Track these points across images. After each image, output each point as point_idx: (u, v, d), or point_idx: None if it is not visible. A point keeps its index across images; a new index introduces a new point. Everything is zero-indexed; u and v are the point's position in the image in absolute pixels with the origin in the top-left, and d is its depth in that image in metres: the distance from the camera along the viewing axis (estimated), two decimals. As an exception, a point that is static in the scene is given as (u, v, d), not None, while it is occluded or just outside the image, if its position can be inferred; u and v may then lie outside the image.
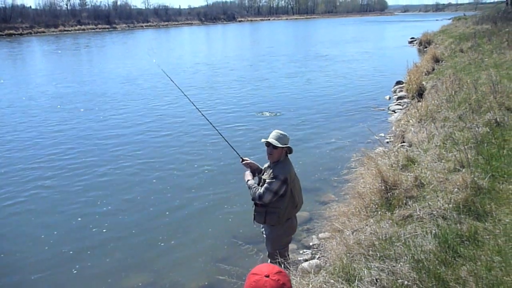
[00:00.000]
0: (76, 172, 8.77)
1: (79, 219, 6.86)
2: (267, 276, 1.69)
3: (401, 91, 14.64)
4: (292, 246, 5.35)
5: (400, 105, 12.89)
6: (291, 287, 1.74)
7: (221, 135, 5.08)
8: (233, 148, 4.79)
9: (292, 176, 4.20)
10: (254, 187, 4.22)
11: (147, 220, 6.77)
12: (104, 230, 6.50)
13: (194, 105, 5.62)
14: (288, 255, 4.57)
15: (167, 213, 6.98)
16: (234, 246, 5.98)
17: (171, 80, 5.82)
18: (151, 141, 10.85)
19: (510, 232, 3.93)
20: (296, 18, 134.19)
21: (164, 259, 5.77)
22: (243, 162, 4.56)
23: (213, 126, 5.23)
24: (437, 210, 4.33)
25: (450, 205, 4.36)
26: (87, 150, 10.18)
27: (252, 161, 4.54)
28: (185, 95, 5.77)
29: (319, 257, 5.33)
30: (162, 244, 6.11)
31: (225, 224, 6.54)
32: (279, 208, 4.18)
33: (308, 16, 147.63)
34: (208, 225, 6.54)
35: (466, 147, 5.77)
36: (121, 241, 6.19)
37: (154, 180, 8.28)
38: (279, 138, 4.16)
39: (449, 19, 53.59)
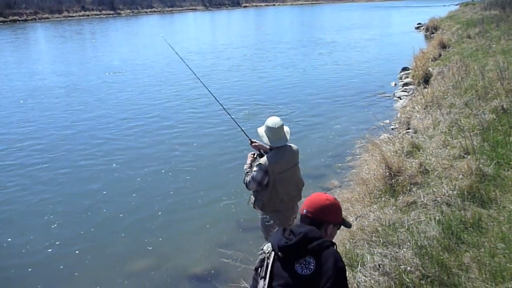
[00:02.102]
0: (80, 156, 8.84)
1: (82, 205, 6.90)
2: (323, 194, 2.26)
3: (407, 77, 14.50)
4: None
5: (406, 91, 12.79)
6: (331, 209, 2.22)
7: (230, 116, 5.02)
8: (241, 129, 4.69)
9: (279, 168, 3.99)
10: (246, 173, 4.16)
11: (150, 206, 6.79)
12: (106, 217, 6.55)
13: (204, 85, 5.49)
14: None
15: (169, 198, 7.01)
16: (237, 230, 6.02)
17: (177, 54, 5.80)
18: (152, 125, 10.89)
19: (515, 219, 3.91)
20: (302, 4, 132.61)
21: (168, 244, 5.81)
22: (252, 144, 4.47)
23: (223, 108, 5.15)
24: (441, 196, 4.32)
25: (455, 192, 4.34)
26: (83, 135, 10.24)
27: (261, 143, 4.39)
28: (192, 71, 5.71)
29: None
30: (165, 229, 6.14)
31: (228, 209, 6.56)
32: (263, 197, 4.12)
33: (313, 2, 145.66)
34: (210, 210, 6.57)
35: (471, 134, 5.73)
36: (124, 227, 6.24)
37: (157, 166, 8.29)
38: (287, 132, 4.07)
39: (457, 4, 52.79)
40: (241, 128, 4.71)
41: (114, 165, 8.42)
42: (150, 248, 5.71)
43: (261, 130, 4.06)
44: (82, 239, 5.95)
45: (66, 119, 11.63)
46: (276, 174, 4.01)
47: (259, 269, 2.19)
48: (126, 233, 6.09)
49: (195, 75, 5.74)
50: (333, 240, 2.22)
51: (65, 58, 23.16)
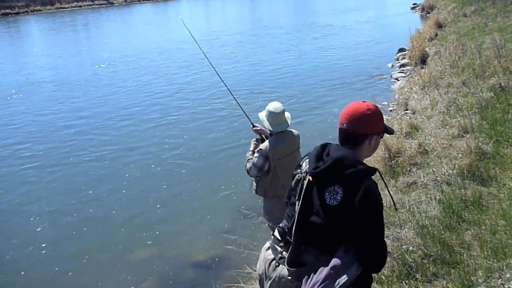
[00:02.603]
0: (75, 148, 8.86)
1: (85, 194, 6.93)
2: (363, 102, 2.04)
3: (404, 58, 14.42)
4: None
5: (403, 72, 12.73)
6: (372, 119, 2.00)
7: (236, 100, 5.04)
8: (244, 113, 4.69)
9: (279, 153, 4.00)
10: (247, 159, 4.17)
11: (150, 196, 6.81)
12: (107, 208, 6.57)
13: (213, 67, 5.43)
14: None
15: (169, 187, 7.03)
16: (238, 218, 6.05)
17: (193, 38, 5.76)
18: (149, 114, 10.89)
19: (515, 195, 3.93)
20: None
21: (170, 233, 5.85)
22: (253, 128, 4.45)
23: (228, 89, 5.14)
24: (441, 176, 4.34)
25: (454, 171, 4.36)
26: (87, 127, 10.20)
27: (262, 128, 4.36)
28: (205, 56, 5.65)
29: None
30: (167, 218, 6.18)
31: (229, 196, 6.58)
32: (264, 183, 4.13)
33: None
34: (212, 198, 6.59)
35: (470, 112, 5.73)
36: (125, 217, 6.28)
37: (155, 155, 8.30)
38: (288, 118, 4.06)
39: (452, -17, 52.25)
40: (244, 112, 4.70)
41: (111, 155, 8.43)
42: (153, 237, 5.75)
43: (262, 115, 4.06)
44: (83, 232, 5.99)
45: (58, 114, 11.56)
46: (277, 159, 4.01)
47: (296, 190, 2.10)
48: (127, 223, 6.13)
49: (206, 58, 5.56)
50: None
51: (54, 51, 22.67)
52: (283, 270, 2.20)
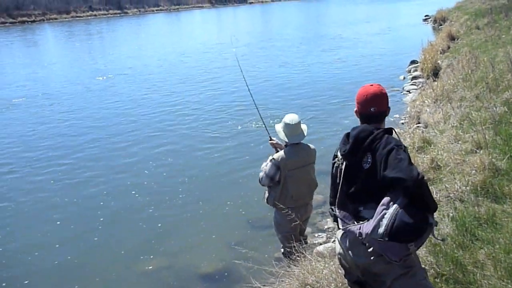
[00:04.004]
0: (86, 156, 8.98)
1: (91, 206, 6.93)
2: (371, 85, 2.46)
3: (416, 70, 14.36)
4: (306, 230, 5.33)
5: (415, 85, 12.66)
6: (387, 96, 2.45)
7: (258, 111, 5.15)
8: (264, 125, 4.80)
9: (291, 164, 4.04)
10: (261, 170, 4.23)
11: (159, 205, 6.80)
12: (116, 216, 6.58)
13: (244, 79, 5.63)
14: (303, 241, 4.55)
15: (179, 197, 7.01)
16: (249, 229, 6.02)
17: (239, 67, 5.91)
18: (174, 119, 11.14)
19: (530, 214, 3.86)
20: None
21: (179, 242, 5.84)
22: (270, 142, 4.54)
23: (253, 101, 5.27)
24: (454, 192, 4.27)
25: (468, 188, 4.29)
26: (81, 136, 10.33)
27: (278, 141, 4.45)
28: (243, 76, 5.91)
29: (334, 240, 5.32)
30: (176, 228, 6.17)
31: (239, 207, 6.55)
32: (275, 193, 4.17)
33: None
34: (223, 208, 6.57)
35: (483, 127, 5.66)
36: (134, 227, 6.26)
37: (169, 162, 8.37)
38: (304, 130, 4.15)
39: (465, -6, 52.09)
40: (264, 125, 4.81)
41: (123, 164, 8.47)
42: (161, 248, 5.74)
43: (279, 127, 4.15)
44: (91, 240, 5.99)
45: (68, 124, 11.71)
46: (288, 170, 4.06)
47: (337, 175, 2.47)
48: (136, 232, 6.12)
49: (243, 76, 5.90)
50: None
51: (57, 61, 22.93)
52: (349, 231, 2.38)
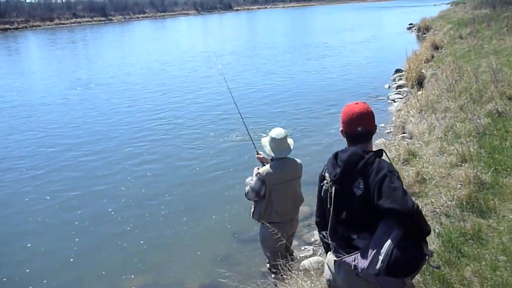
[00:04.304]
0: (67, 166, 8.72)
1: (77, 219, 6.77)
2: (356, 104, 2.38)
3: (401, 79, 14.50)
4: (293, 243, 5.27)
5: (399, 94, 12.77)
6: (373, 115, 2.36)
7: (245, 124, 5.15)
8: (252, 141, 4.75)
9: (276, 179, 4.00)
10: (247, 183, 4.19)
11: (144, 220, 6.66)
12: (98, 232, 6.40)
13: (229, 91, 5.56)
14: (289, 257, 4.49)
15: (164, 211, 6.87)
16: (235, 243, 5.94)
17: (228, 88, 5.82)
18: (155, 132, 10.87)
19: (515, 229, 3.85)
20: (293, 6, 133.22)
21: (163, 259, 5.72)
22: (256, 156, 4.49)
23: (240, 114, 5.23)
24: (440, 207, 4.26)
25: (453, 202, 4.28)
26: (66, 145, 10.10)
27: (264, 155, 4.39)
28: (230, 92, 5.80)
29: (320, 253, 5.27)
30: (161, 243, 6.05)
31: (226, 221, 6.46)
32: (260, 207, 4.13)
33: (305, 4, 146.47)
34: (208, 223, 6.47)
35: (468, 139, 5.69)
36: (118, 242, 6.10)
37: (151, 176, 8.21)
38: (291, 144, 4.12)
39: (448, 3, 53.08)
40: (251, 139, 4.80)
41: (102, 179, 8.24)
42: (145, 264, 5.61)
43: (265, 141, 4.11)
44: (74, 259, 5.81)
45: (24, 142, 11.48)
46: (273, 185, 4.02)
47: (326, 199, 2.38)
48: (118, 250, 5.96)
49: (231, 95, 6.01)
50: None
51: (45, 69, 22.65)
52: (344, 262, 2.34)
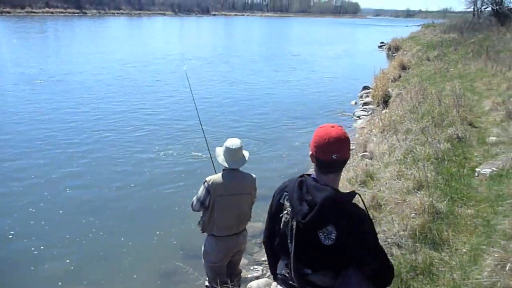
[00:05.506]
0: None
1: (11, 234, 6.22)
2: (332, 127, 2.04)
3: (368, 96, 14.52)
4: (242, 261, 4.95)
5: (365, 111, 12.74)
6: (349, 141, 2.07)
7: (204, 135, 4.91)
8: (210, 155, 4.47)
9: (221, 190, 3.71)
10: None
11: (87, 234, 6.07)
12: (39, 245, 5.86)
13: (193, 98, 5.29)
14: (235, 280, 4.17)
15: (109, 223, 6.35)
16: (179, 260, 5.52)
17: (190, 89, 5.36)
18: (92, 140, 9.87)
19: (466, 265, 3.67)
20: (271, 15, 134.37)
21: (108, 273, 5.24)
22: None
23: (201, 126, 5.00)
24: (392, 237, 4.05)
25: (406, 232, 4.09)
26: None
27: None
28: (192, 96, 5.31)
29: (269, 275, 4.98)
30: (105, 257, 5.56)
31: (172, 236, 6.05)
32: (205, 217, 3.86)
33: (282, 14, 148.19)
34: (152, 238, 6.01)
35: (426, 164, 5.56)
36: (52, 262, 5.48)
37: (91, 188, 7.46)
38: (246, 156, 3.89)
39: (419, 25, 54.62)
40: (209, 152, 4.54)
41: (32, 190, 7.41)
42: (86, 279, 5.13)
43: (219, 150, 3.87)
44: (7, 274, 5.29)
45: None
46: (218, 195, 3.73)
47: (286, 232, 2.09)
48: (55, 269, 5.40)
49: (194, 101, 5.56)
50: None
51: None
52: None
